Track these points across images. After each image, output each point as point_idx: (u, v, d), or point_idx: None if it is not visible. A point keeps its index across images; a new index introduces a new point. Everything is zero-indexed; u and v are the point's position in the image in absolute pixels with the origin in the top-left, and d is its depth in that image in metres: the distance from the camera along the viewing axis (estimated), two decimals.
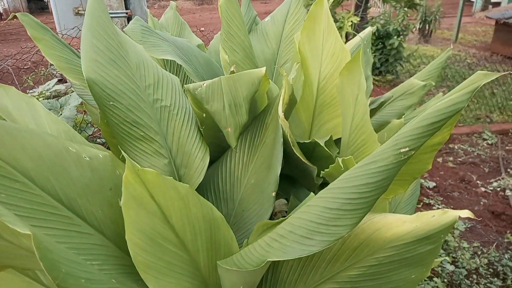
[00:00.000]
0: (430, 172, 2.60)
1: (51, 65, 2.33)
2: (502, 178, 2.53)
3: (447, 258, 1.19)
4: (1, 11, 9.46)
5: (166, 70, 1.25)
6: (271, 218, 0.91)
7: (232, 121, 0.93)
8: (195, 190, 0.84)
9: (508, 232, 2.01)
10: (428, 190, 2.38)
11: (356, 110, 0.81)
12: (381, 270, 0.71)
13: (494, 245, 1.90)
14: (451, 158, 2.83)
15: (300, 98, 1.05)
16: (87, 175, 0.76)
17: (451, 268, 1.74)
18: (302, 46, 1.03)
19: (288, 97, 0.88)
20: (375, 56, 4.38)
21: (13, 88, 0.91)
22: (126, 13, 3.24)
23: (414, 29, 5.77)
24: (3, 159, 0.64)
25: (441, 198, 2.31)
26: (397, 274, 0.70)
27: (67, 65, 0.99)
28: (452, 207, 2.22)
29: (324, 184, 0.89)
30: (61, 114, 1.52)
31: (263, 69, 0.90)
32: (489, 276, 1.72)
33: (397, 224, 0.71)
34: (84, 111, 1.65)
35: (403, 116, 1.12)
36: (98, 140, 2.00)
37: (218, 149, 1.04)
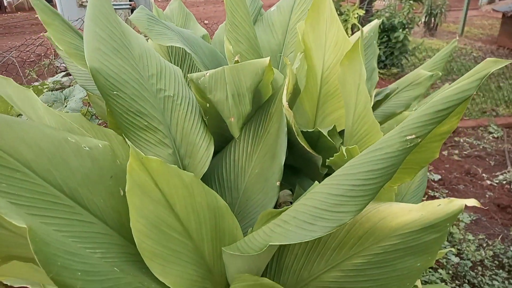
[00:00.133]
0: (435, 165, 2.59)
1: (55, 57, 2.33)
2: (508, 171, 2.51)
3: (452, 249, 1.18)
4: (5, 4, 9.48)
5: (170, 61, 1.25)
6: (275, 208, 0.91)
7: (235, 111, 0.92)
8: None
9: None
10: (433, 183, 2.37)
11: (358, 99, 0.81)
12: (386, 258, 0.71)
13: (499, 238, 1.89)
14: (456, 151, 2.81)
15: (304, 88, 1.04)
16: (87, 165, 0.76)
17: (456, 260, 1.73)
18: (306, 35, 1.02)
19: (292, 86, 0.88)
20: (380, 49, 4.34)
21: (11, 80, 0.91)
22: (130, 5, 3.23)
23: (420, 22, 5.72)
24: (3, 149, 0.64)
25: (446, 191, 2.30)
26: (403, 262, 0.70)
27: (76, 51, 0.99)
28: None
29: (329, 174, 0.89)
30: (65, 106, 1.52)
31: (267, 59, 0.90)
32: (494, 268, 1.71)
33: (403, 212, 0.70)
34: (88, 103, 1.65)
35: (413, 108, 1.11)
36: None
37: (222, 140, 1.03)
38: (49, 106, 1.53)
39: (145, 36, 1.15)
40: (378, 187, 0.56)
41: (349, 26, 4.06)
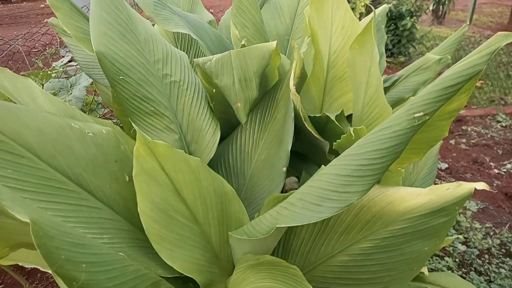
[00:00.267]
0: (442, 153, 2.57)
1: (61, 46, 2.33)
2: None
3: (460, 236, 1.18)
4: None
5: (176, 47, 1.24)
6: None
7: (242, 96, 0.92)
8: None
9: None
10: (440, 172, 2.36)
11: (370, 82, 0.79)
12: (394, 242, 0.70)
13: (507, 226, 1.88)
14: (464, 140, 2.78)
15: (310, 73, 1.03)
16: (91, 150, 0.75)
17: (462, 248, 1.73)
18: (312, 19, 1.01)
19: (300, 70, 0.87)
20: (387, 37, 4.29)
21: (7, 70, 0.90)
22: None
23: (428, 10, 5.63)
24: (7, 135, 0.64)
25: (453, 180, 2.28)
26: (410, 246, 0.70)
27: (84, 35, 0.98)
28: None
29: None
30: (70, 94, 1.52)
31: (274, 43, 0.89)
32: (501, 256, 1.71)
33: (411, 196, 0.70)
34: (95, 91, 1.65)
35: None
36: (110, 120, 2.00)
37: (228, 126, 1.03)
38: (55, 94, 1.53)
39: (152, 22, 1.14)
40: (385, 166, 0.55)
41: (357, 15, 4.01)
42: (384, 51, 1.27)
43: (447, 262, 1.64)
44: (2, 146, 0.63)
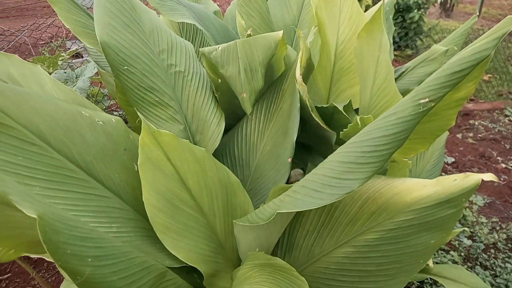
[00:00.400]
0: (449, 147, 2.55)
1: (67, 38, 2.33)
2: None
3: (466, 229, 1.16)
4: None
5: (182, 37, 1.23)
6: None
7: (247, 87, 0.91)
8: None
9: None
10: (446, 166, 2.34)
11: (378, 71, 0.78)
12: (399, 234, 0.70)
13: None
14: (471, 134, 2.76)
15: (317, 64, 1.02)
16: (101, 139, 0.75)
17: (468, 242, 1.72)
18: (319, 9, 0.99)
19: (306, 60, 0.86)
20: (394, 29, 4.24)
21: (16, 56, 0.89)
22: None
23: (436, 2, 5.56)
24: (19, 122, 0.63)
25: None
26: (417, 238, 0.69)
27: (82, 29, 0.98)
28: None
29: None
30: (74, 85, 1.52)
31: (280, 33, 0.88)
32: (507, 251, 1.70)
33: (417, 188, 0.69)
34: (101, 82, 1.65)
35: None
36: (115, 113, 2.01)
37: (233, 117, 1.02)
38: None
39: (158, 13, 1.13)
40: (389, 153, 0.54)
41: (363, 8, 3.96)
42: (391, 41, 1.25)
43: (452, 256, 1.63)
44: (14, 133, 0.62)
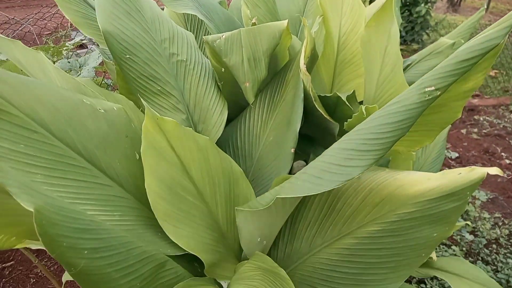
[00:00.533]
0: (453, 142, 2.53)
1: (71, 28, 2.32)
2: None
3: (468, 223, 1.16)
4: None
5: (186, 27, 1.23)
6: None
7: (250, 76, 0.90)
8: None
9: None
10: (450, 161, 2.33)
11: (385, 62, 0.77)
12: (402, 226, 0.69)
13: None
14: (475, 130, 2.74)
15: (321, 54, 1.01)
16: (103, 127, 0.74)
17: (470, 237, 1.71)
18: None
19: (310, 50, 0.85)
20: (401, 24, 4.20)
21: (19, 42, 0.88)
22: None
23: None
24: (20, 109, 0.63)
25: None
26: (419, 231, 0.68)
27: (83, 20, 0.97)
28: None
29: None
30: (79, 74, 1.52)
31: (285, 22, 0.87)
32: (509, 246, 1.69)
33: (422, 180, 0.68)
34: (104, 71, 1.64)
35: None
36: None
37: (236, 107, 1.02)
38: None
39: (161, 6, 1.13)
40: (392, 141, 0.53)
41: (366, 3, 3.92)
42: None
43: (454, 251, 1.63)
44: (15, 120, 0.62)
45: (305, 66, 0.79)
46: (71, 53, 1.81)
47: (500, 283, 1.46)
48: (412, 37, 4.32)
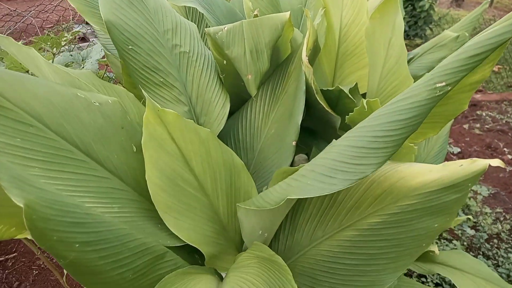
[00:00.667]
0: (455, 138, 2.53)
1: (73, 21, 2.32)
2: None
3: (470, 217, 1.16)
4: None
5: (188, 19, 1.22)
6: None
7: (252, 68, 0.90)
8: None
9: None
10: (452, 156, 2.32)
11: (389, 54, 0.76)
12: (403, 218, 0.69)
13: None
14: (478, 125, 2.73)
15: (323, 46, 1.00)
16: (98, 120, 0.74)
17: (471, 232, 1.71)
18: None
19: (313, 42, 0.84)
20: (403, 19, 4.18)
21: (11, 39, 0.88)
22: None
23: None
24: (16, 104, 0.63)
25: None
26: (420, 222, 0.68)
27: (87, 8, 0.97)
28: None
29: None
30: (82, 67, 1.52)
31: (287, 14, 0.86)
32: (510, 241, 1.69)
33: (423, 172, 0.68)
34: (106, 65, 1.64)
35: None
36: None
37: (238, 100, 1.02)
38: (67, 67, 1.53)
39: None
40: (402, 138, 0.53)
41: None
42: None
43: (455, 245, 1.63)
44: (11, 115, 0.62)
45: (307, 58, 0.79)
46: (73, 46, 1.80)
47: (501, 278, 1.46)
48: (415, 31, 4.29)
